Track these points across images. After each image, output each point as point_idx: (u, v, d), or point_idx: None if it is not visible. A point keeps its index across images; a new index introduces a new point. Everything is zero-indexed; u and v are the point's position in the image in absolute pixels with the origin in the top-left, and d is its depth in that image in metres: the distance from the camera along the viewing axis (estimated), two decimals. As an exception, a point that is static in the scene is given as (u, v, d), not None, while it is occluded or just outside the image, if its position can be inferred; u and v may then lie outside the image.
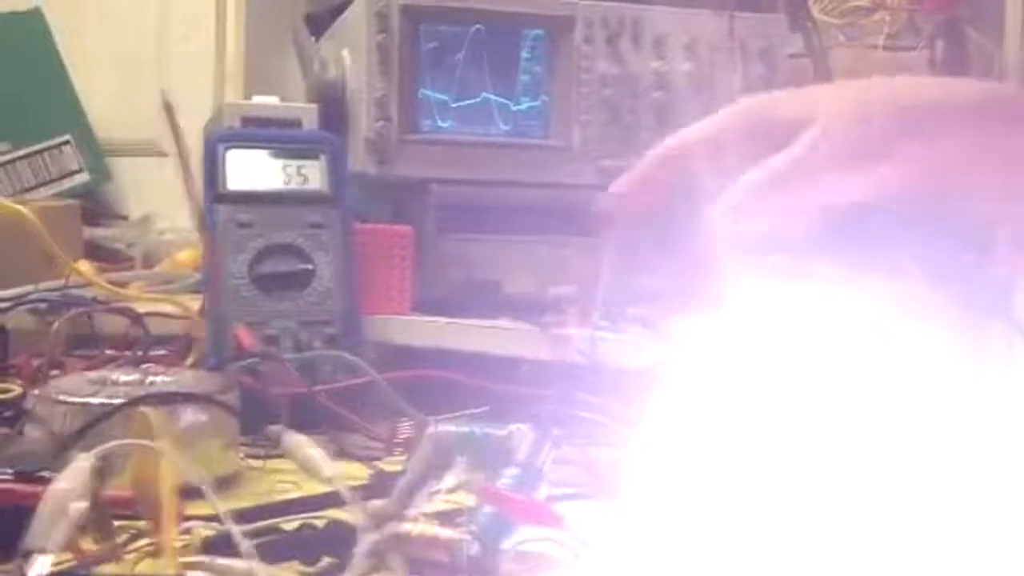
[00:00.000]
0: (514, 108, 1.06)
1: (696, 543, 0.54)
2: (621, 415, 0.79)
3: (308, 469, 0.54)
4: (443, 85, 1.05)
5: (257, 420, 0.76)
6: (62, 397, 0.63)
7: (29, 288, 1.21)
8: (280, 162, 0.96)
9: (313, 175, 0.96)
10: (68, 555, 0.49)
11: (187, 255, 1.46)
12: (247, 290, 0.90)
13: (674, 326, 0.90)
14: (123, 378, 0.69)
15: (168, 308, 1.00)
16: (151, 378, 0.70)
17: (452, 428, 0.55)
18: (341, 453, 0.77)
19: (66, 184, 1.61)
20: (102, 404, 0.63)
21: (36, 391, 0.66)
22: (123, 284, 1.29)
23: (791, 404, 0.65)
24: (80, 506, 0.42)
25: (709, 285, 0.90)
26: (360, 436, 0.80)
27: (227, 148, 0.94)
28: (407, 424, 0.79)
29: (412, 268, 1.00)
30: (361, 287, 0.96)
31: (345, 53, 1.07)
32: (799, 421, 0.63)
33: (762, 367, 0.70)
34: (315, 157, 0.97)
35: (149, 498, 0.48)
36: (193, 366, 0.85)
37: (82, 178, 1.63)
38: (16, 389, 0.84)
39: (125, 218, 1.71)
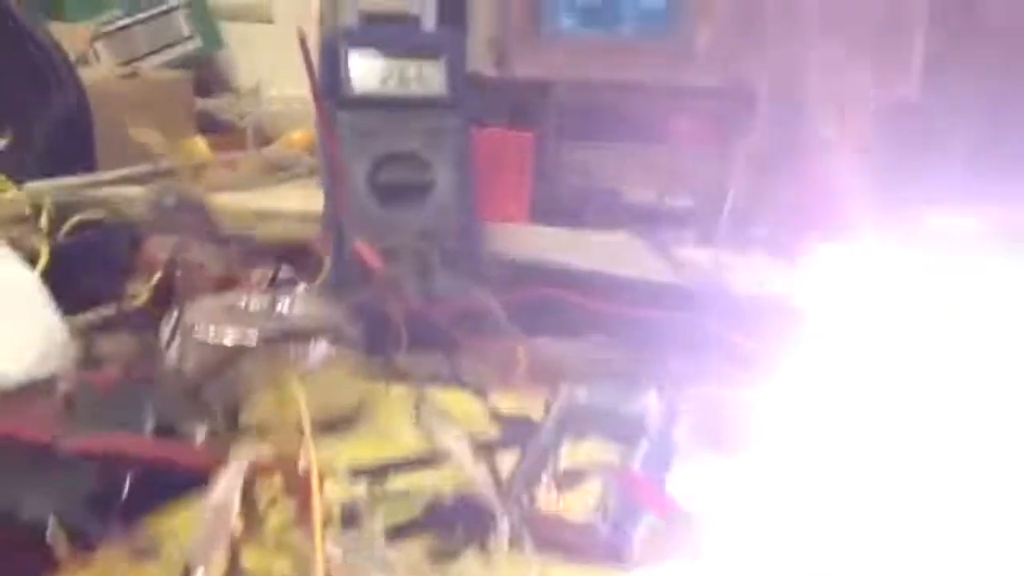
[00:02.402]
0: (643, 2, 1.03)
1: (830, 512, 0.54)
2: (748, 347, 0.78)
3: (448, 460, 0.54)
4: (568, -19, 1.01)
5: (375, 337, 0.78)
6: (196, 335, 0.64)
7: (146, 169, 1.23)
8: (400, 63, 0.94)
9: (433, 77, 0.94)
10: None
11: (300, 136, 1.45)
12: (367, 200, 0.90)
13: (807, 253, 0.88)
14: (252, 306, 0.70)
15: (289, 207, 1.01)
16: (279, 307, 0.70)
17: (583, 397, 0.54)
18: (454, 379, 0.77)
19: (179, 50, 1.60)
20: (236, 347, 0.64)
21: (169, 323, 0.67)
22: (234, 165, 1.31)
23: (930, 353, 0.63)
24: (238, 524, 0.42)
25: (843, 208, 0.88)
26: (474, 360, 0.81)
27: (349, 49, 0.93)
28: (524, 352, 0.79)
29: (532, 175, 0.98)
30: (480, 193, 0.95)
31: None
32: (935, 373, 0.61)
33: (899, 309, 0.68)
34: (435, 58, 0.95)
35: (292, 475, 0.49)
36: (318, 282, 0.85)
37: (195, 43, 1.62)
38: (143, 295, 0.86)
39: (235, 90, 1.71)
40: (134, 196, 1.01)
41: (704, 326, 0.84)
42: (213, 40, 1.63)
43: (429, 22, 1.00)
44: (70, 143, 1.27)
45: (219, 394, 0.60)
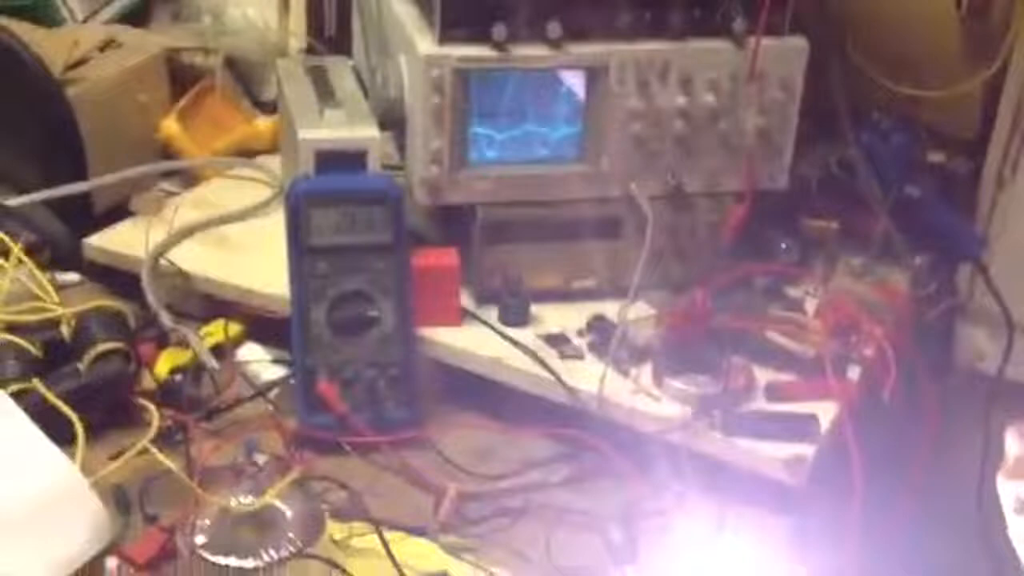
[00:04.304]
0: (552, 136, 1.21)
1: None
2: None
3: None
4: (490, 122, 1.20)
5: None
6: (201, 552, 0.91)
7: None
8: (351, 213, 1.14)
9: (378, 222, 1.15)
10: None
11: (265, 125, 1.62)
12: (326, 336, 1.13)
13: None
14: (243, 501, 0.96)
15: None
16: (267, 498, 0.96)
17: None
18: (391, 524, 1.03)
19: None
20: (238, 568, 0.90)
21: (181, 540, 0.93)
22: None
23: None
24: None
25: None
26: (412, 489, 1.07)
27: (310, 207, 1.13)
28: (452, 489, 1.05)
29: (459, 287, 1.20)
30: (419, 305, 1.17)
31: (405, 78, 1.20)
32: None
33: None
34: (380, 203, 1.15)
35: None
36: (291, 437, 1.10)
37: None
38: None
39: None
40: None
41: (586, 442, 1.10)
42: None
43: (376, 153, 1.18)
44: (59, 153, 1.45)
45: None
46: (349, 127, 1.19)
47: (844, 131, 1.31)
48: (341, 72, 1.34)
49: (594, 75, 1.18)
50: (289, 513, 0.96)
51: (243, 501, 0.97)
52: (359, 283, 1.14)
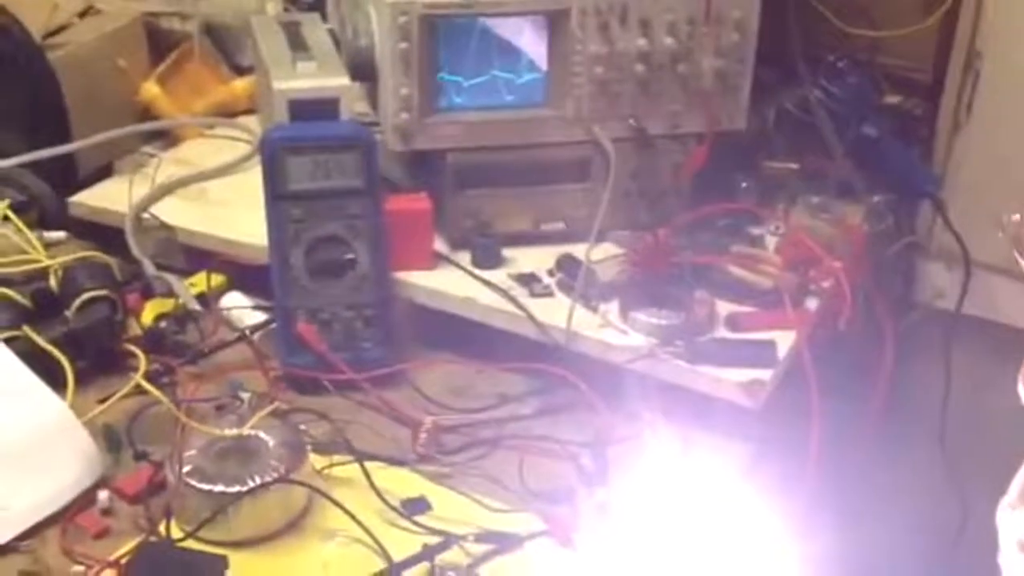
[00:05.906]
0: (518, 81, 1.26)
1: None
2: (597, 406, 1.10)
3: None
4: (457, 69, 1.24)
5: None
6: (187, 480, 0.96)
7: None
8: (323, 159, 1.18)
9: (351, 168, 1.18)
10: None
11: (243, 86, 1.66)
12: (304, 279, 1.17)
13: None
14: (227, 432, 1.00)
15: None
16: (248, 428, 1.00)
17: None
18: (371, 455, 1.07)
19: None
20: (223, 493, 0.95)
21: (170, 470, 0.98)
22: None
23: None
24: None
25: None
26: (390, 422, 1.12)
27: (284, 154, 1.16)
28: (429, 421, 1.10)
29: (432, 231, 1.24)
30: (393, 251, 1.21)
31: (375, 26, 1.23)
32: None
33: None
34: (352, 149, 1.18)
35: None
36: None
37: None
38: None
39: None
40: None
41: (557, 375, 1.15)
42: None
43: (348, 101, 1.22)
44: (44, 117, 1.48)
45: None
46: (321, 77, 1.23)
47: (801, 73, 1.36)
48: (314, 27, 1.38)
49: (556, 19, 1.22)
50: (272, 442, 1.01)
51: (227, 432, 1.02)
52: (334, 227, 1.18)
